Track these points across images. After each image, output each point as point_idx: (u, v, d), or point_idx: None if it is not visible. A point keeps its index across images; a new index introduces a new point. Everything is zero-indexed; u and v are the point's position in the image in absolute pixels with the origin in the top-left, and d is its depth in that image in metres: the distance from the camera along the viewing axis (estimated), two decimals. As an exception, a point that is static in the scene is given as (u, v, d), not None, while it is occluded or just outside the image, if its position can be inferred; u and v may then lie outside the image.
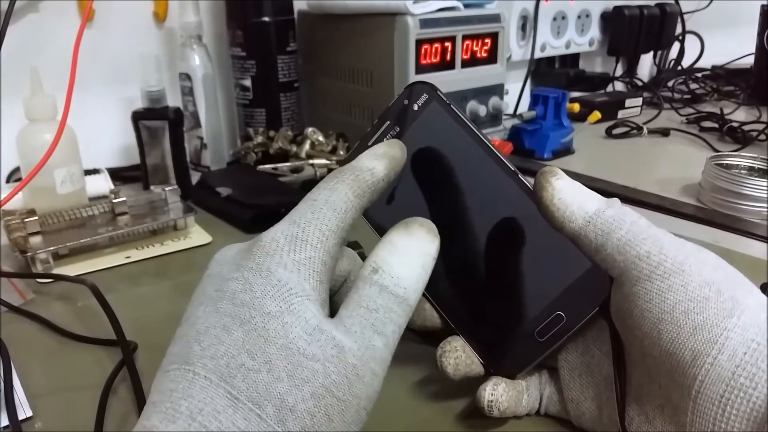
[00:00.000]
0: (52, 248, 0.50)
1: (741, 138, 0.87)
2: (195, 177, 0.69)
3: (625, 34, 1.14)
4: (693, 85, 1.21)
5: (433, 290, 0.34)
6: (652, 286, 0.26)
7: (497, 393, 0.31)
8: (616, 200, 0.28)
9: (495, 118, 0.77)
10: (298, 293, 0.23)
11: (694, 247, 0.27)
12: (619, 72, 1.22)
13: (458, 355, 0.32)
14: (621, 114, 1.01)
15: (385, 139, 0.34)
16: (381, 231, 0.34)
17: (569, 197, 0.28)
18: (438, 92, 0.33)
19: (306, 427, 0.21)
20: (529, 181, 0.31)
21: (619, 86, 1.21)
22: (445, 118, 0.33)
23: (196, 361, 0.22)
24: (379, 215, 0.33)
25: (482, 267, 0.33)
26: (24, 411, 0.34)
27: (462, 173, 0.33)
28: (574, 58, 1.16)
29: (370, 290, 0.24)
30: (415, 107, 0.33)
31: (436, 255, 0.26)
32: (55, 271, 0.50)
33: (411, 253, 0.26)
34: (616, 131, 0.92)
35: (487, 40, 0.74)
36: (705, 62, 1.28)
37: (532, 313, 0.32)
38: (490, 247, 0.33)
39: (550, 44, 1.07)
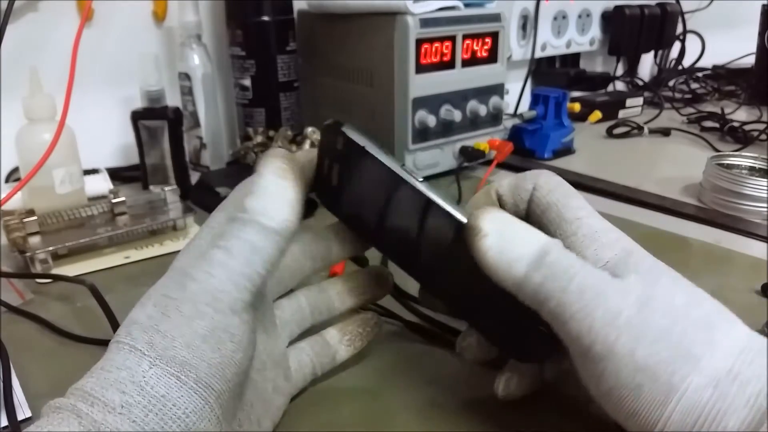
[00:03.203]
0: (51, 248, 0.50)
1: (742, 138, 0.87)
2: (194, 177, 0.69)
3: (626, 33, 1.14)
4: (694, 85, 1.21)
5: (445, 304, 0.34)
6: (586, 368, 0.25)
7: (510, 387, 0.31)
8: (552, 248, 0.26)
9: (495, 117, 0.77)
10: None
11: (633, 310, 0.24)
12: (619, 72, 1.22)
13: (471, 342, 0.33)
14: (622, 114, 1.01)
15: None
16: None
17: (497, 256, 0.26)
18: (347, 133, 0.32)
19: None
20: (450, 211, 0.29)
21: (620, 86, 1.20)
22: (365, 156, 0.32)
23: None
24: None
25: (472, 287, 0.31)
26: (23, 412, 0.34)
27: (391, 208, 0.32)
28: (575, 57, 1.16)
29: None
30: (338, 146, 0.33)
31: None
32: (54, 271, 0.50)
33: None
34: (616, 131, 0.92)
35: (487, 40, 0.74)
36: (706, 62, 1.28)
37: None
38: (466, 273, 0.30)
39: (551, 44, 1.07)
